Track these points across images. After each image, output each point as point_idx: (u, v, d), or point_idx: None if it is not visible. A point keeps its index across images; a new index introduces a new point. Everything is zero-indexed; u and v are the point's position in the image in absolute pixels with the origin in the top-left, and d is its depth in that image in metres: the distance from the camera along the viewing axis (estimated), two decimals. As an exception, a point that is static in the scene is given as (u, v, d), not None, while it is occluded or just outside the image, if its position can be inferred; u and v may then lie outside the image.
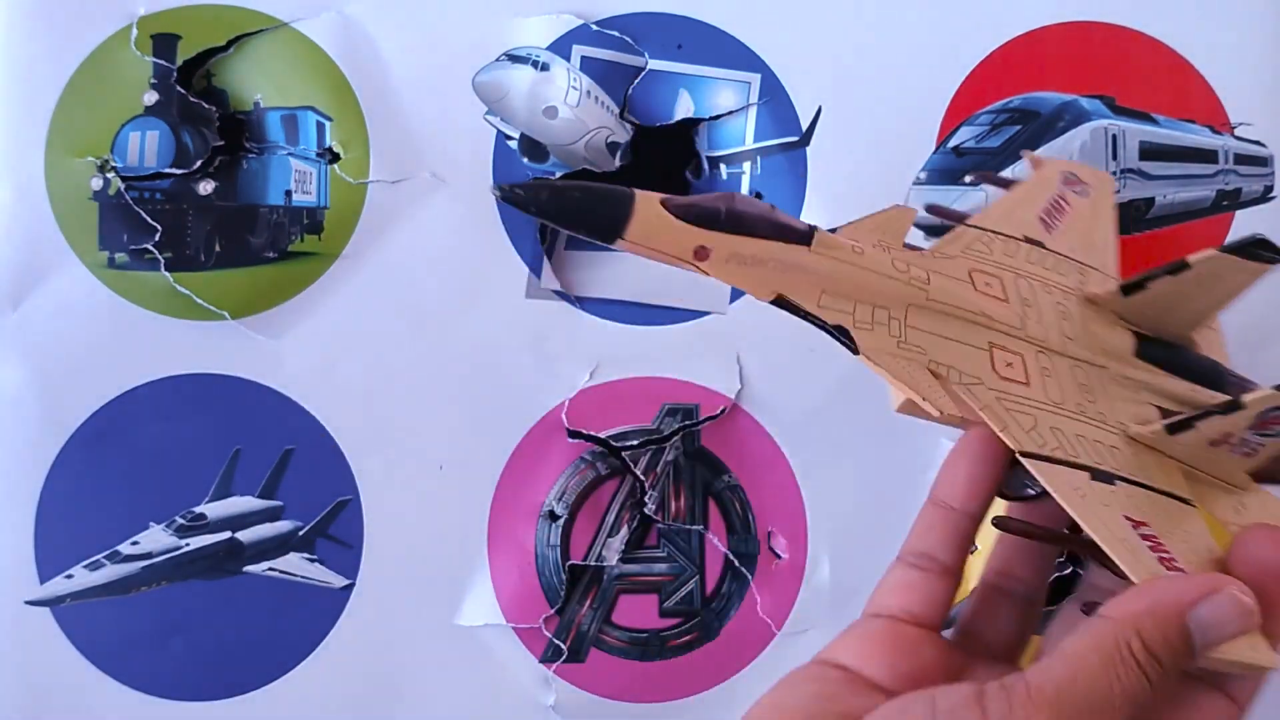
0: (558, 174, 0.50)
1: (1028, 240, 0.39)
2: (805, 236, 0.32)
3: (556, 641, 0.50)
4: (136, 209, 0.49)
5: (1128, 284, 0.36)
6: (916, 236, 0.50)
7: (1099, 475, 0.32)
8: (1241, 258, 0.35)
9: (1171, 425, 0.34)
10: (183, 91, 0.49)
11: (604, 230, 0.31)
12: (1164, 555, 0.29)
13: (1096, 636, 0.27)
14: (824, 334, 0.52)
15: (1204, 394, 0.37)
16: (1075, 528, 0.31)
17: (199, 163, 0.49)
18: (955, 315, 0.34)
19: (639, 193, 0.31)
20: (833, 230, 0.33)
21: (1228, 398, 0.34)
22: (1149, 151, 0.51)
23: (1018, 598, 0.35)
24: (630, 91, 0.50)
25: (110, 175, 0.49)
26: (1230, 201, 0.51)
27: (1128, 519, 0.30)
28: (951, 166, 0.50)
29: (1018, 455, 0.32)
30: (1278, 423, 0.33)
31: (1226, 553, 0.30)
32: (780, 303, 0.33)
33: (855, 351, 0.33)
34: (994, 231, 0.38)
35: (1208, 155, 0.51)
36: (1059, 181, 0.41)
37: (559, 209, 0.31)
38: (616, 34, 0.50)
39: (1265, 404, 0.32)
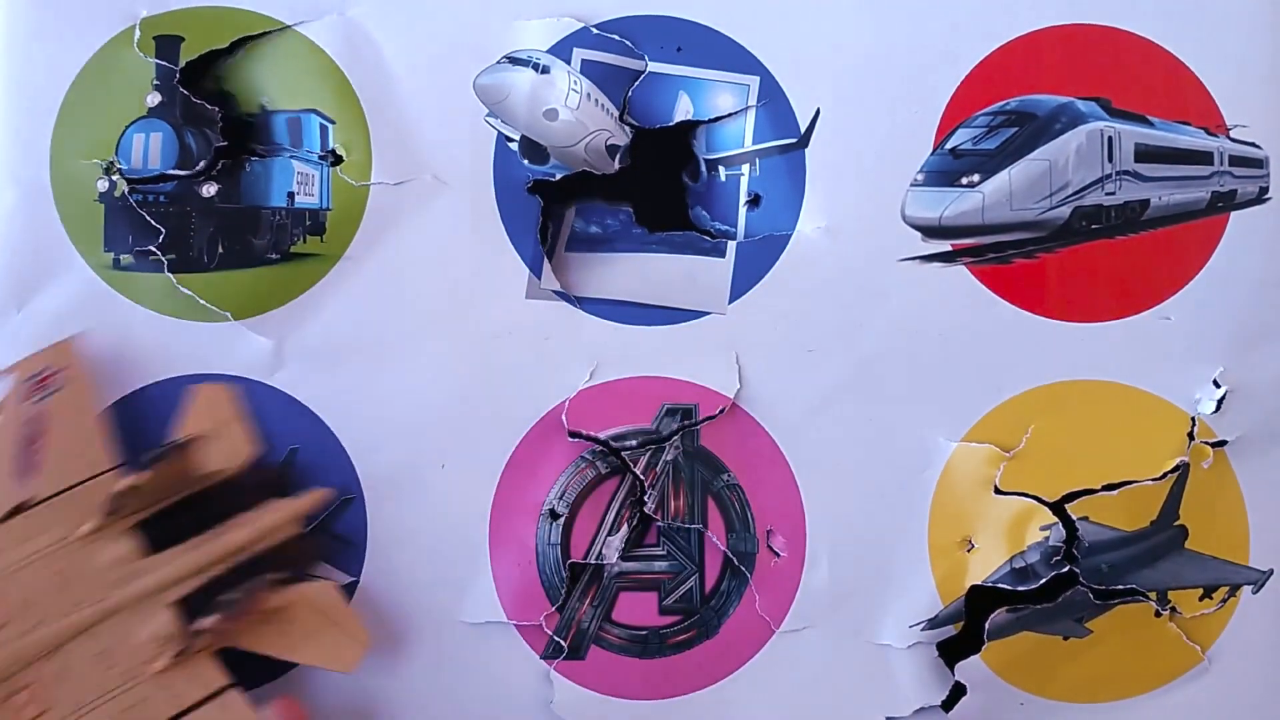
0: (558, 175, 0.50)
1: (14, 512, 0.41)
2: None
3: (557, 639, 0.50)
4: (140, 211, 0.49)
5: (111, 511, 0.42)
6: (914, 237, 0.50)
7: None
8: None
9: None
10: (185, 93, 0.50)
11: None
12: None
13: None
14: (823, 334, 0.52)
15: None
16: None
17: (202, 165, 0.50)
18: None
19: None
20: None
21: None
22: (1144, 153, 0.51)
23: None
24: (630, 94, 0.51)
25: (115, 177, 0.50)
26: (1225, 203, 0.51)
27: None
28: (949, 168, 0.51)
29: None
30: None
31: None
32: None
33: None
34: None
35: (1203, 157, 0.51)
36: (19, 400, 0.42)
37: None
38: (616, 37, 0.51)
39: None
